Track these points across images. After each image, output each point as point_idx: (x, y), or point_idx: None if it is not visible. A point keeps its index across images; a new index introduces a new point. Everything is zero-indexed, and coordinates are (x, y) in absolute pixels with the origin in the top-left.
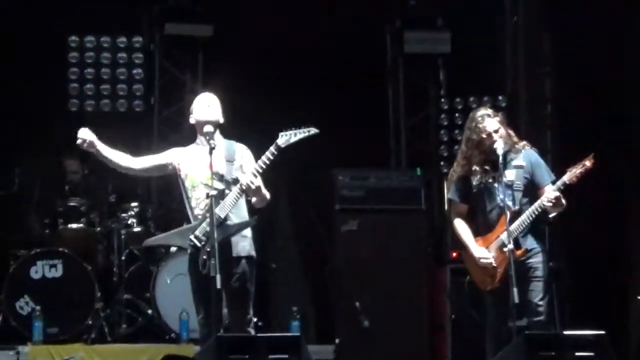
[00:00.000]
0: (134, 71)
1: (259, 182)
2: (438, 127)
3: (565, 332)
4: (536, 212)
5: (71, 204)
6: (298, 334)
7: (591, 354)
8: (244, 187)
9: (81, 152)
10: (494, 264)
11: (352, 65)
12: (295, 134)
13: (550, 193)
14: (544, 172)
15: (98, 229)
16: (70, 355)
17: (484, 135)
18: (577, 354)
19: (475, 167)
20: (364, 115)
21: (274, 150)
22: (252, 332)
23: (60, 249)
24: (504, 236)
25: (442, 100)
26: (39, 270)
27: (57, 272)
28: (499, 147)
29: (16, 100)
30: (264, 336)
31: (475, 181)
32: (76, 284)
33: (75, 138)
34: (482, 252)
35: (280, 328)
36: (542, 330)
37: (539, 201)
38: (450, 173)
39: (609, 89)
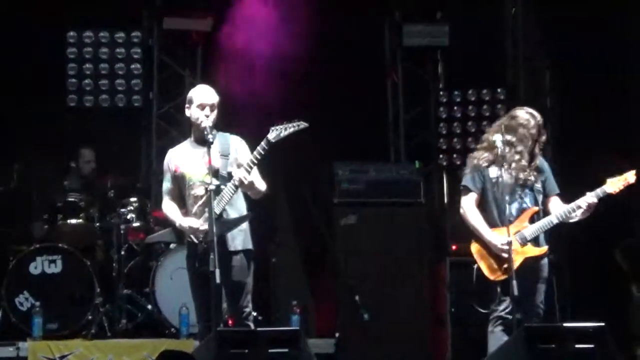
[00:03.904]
0: (133, 66)
1: (251, 177)
2: (437, 120)
3: (566, 324)
4: (564, 215)
5: (70, 199)
6: (298, 328)
7: (591, 346)
8: (237, 183)
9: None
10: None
11: (351, 58)
12: (286, 129)
13: (590, 198)
14: (554, 182)
15: (97, 224)
16: (70, 351)
17: (533, 139)
18: (577, 346)
19: (515, 163)
20: (363, 108)
21: (264, 146)
22: (252, 326)
23: (60, 245)
24: (526, 231)
25: (441, 93)
26: (39, 265)
27: (57, 268)
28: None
29: (15, 96)
30: (264, 330)
31: (493, 173)
32: (76, 279)
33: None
34: (504, 239)
35: (280, 322)
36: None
37: (572, 204)
38: (475, 158)
39: (609, 81)
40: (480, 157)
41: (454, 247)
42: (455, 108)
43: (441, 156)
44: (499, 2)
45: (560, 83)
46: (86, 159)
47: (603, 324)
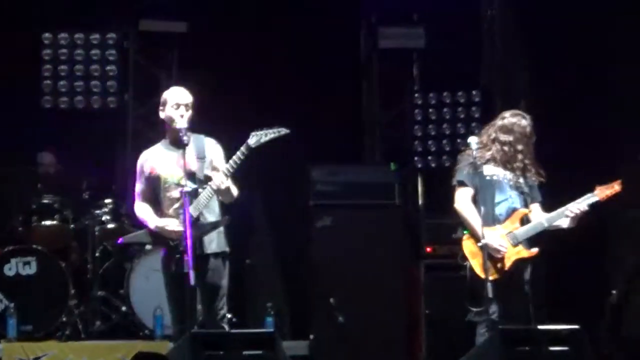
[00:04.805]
0: (108, 68)
1: (228, 183)
2: (412, 122)
3: (540, 327)
4: (553, 220)
5: (45, 200)
6: (272, 330)
7: (566, 348)
8: (214, 188)
9: (55, 146)
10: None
11: (327, 60)
12: (266, 134)
13: (582, 205)
14: (538, 189)
15: (72, 225)
16: (44, 352)
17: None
18: (552, 348)
19: (518, 162)
20: (338, 110)
21: (244, 150)
22: (227, 328)
23: (34, 246)
24: (518, 232)
25: (416, 95)
26: (13, 267)
27: (31, 269)
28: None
29: None
30: (239, 332)
31: (488, 171)
32: (50, 281)
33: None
34: (499, 240)
35: (254, 324)
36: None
37: (562, 209)
38: (470, 155)
39: (584, 84)
40: (473, 154)
41: (428, 250)
42: (431, 110)
43: (416, 158)
44: (475, 4)
45: (535, 86)
46: (46, 162)
47: (578, 326)
